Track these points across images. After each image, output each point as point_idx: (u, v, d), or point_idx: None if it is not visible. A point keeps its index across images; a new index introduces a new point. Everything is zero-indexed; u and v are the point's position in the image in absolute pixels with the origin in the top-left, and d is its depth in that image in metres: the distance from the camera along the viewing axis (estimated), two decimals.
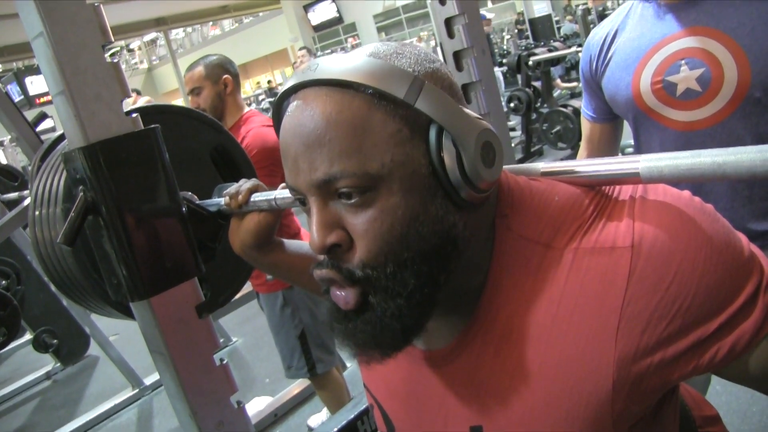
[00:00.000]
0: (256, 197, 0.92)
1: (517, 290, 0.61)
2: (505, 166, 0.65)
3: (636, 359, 0.56)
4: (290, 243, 1.00)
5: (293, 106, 0.60)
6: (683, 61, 1.20)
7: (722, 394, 2.31)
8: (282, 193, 0.89)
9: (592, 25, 8.23)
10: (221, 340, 4.14)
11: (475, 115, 0.60)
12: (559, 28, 10.74)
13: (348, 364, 3.33)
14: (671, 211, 0.56)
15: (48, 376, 4.73)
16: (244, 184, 0.95)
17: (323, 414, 2.91)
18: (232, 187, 0.96)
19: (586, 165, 0.62)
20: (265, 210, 0.92)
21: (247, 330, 4.31)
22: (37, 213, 1.13)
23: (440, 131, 0.58)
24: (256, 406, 3.16)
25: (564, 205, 0.61)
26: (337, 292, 0.61)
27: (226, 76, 2.43)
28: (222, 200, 0.99)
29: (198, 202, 1.10)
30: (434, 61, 0.62)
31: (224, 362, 1.09)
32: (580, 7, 10.38)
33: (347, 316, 0.61)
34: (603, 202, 0.60)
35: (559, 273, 0.59)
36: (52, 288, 4.18)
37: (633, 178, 0.58)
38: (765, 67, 1.14)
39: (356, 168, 0.56)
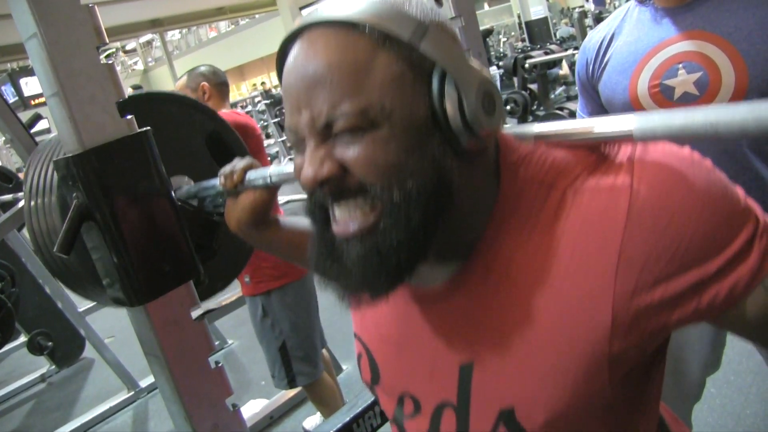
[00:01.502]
0: (251, 175, 0.92)
1: (520, 231, 0.62)
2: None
3: (635, 296, 0.56)
4: (287, 220, 0.99)
5: (297, 47, 0.60)
6: (681, 65, 1.21)
7: (717, 397, 2.31)
8: (276, 169, 0.88)
9: (588, 28, 8.26)
10: (217, 343, 4.13)
11: (478, 65, 0.60)
12: (555, 32, 10.76)
13: (344, 367, 3.33)
14: (670, 161, 0.57)
15: (43, 378, 4.70)
16: (238, 162, 0.94)
17: (317, 417, 2.90)
18: (227, 167, 0.95)
19: (579, 125, 0.63)
20: (261, 187, 0.92)
21: (243, 332, 4.30)
22: (32, 203, 1.13)
23: (443, 77, 0.58)
24: (252, 409, 3.15)
25: (567, 154, 0.63)
26: (341, 213, 0.60)
27: (203, 83, 2.49)
28: (217, 181, 0.98)
29: (195, 188, 1.09)
30: (440, 14, 0.62)
31: (219, 365, 1.08)
32: (577, 10, 10.41)
33: (341, 249, 0.61)
34: (605, 154, 0.62)
35: (561, 211, 0.59)
36: (47, 290, 4.17)
37: (626, 138, 0.59)
38: (762, 71, 1.14)
39: (356, 109, 0.56)
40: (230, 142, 1.28)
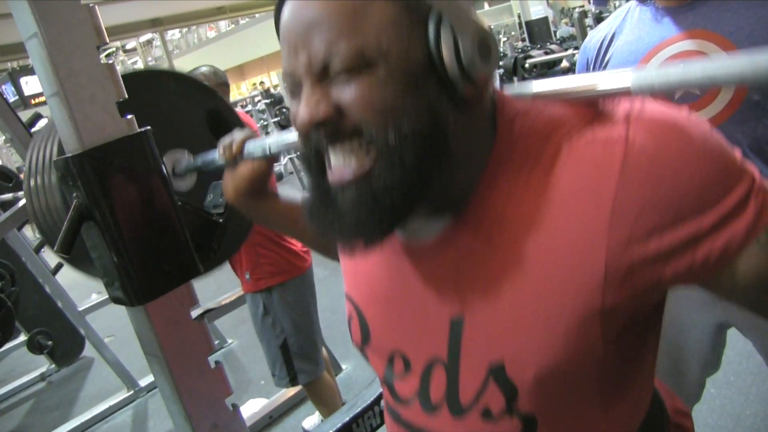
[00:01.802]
0: (250, 145, 0.92)
1: (514, 181, 0.62)
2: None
3: (629, 246, 0.56)
4: (285, 193, 1.00)
5: None
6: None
7: (717, 398, 2.31)
8: (275, 138, 0.89)
9: (588, 28, 8.25)
10: (216, 342, 4.13)
11: (474, 13, 0.60)
12: (555, 31, 10.76)
13: (344, 366, 3.33)
14: (667, 115, 0.57)
15: (42, 377, 4.71)
16: (238, 134, 0.94)
17: (316, 417, 2.90)
18: (226, 138, 0.95)
19: (578, 81, 0.63)
20: (260, 158, 0.92)
21: (243, 332, 4.30)
22: (32, 183, 1.13)
23: (439, 21, 0.58)
24: (251, 408, 3.15)
25: (565, 109, 0.63)
26: (336, 160, 0.61)
27: None
28: (217, 154, 0.98)
29: (194, 161, 1.10)
30: None
31: (219, 364, 1.08)
32: (577, 10, 10.40)
33: (336, 195, 0.61)
34: (601, 109, 0.61)
35: (555, 161, 0.59)
36: (47, 289, 4.17)
37: (624, 94, 0.59)
38: None
39: (353, 48, 0.56)
40: (230, 119, 1.29)
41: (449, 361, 0.67)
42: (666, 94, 0.56)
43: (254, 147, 0.92)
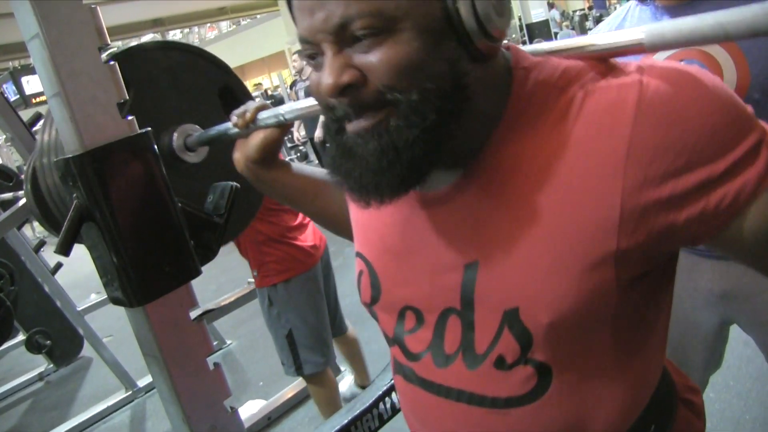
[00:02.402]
0: (263, 114, 0.92)
1: (529, 130, 0.63)
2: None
3: (643, 190, 0.57)
4: (294, 165, 1.00)
5: None
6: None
7: (716, 402, 2.31)
8: (288, 107, 0.90)
9: (589, 31, 8.26)
10: (215, 343, 4.13)
11: None
12: (556, 33, 10.77)
13: (342, 368, 3.33)
14: (679, 66, 0.59)
15: (41, 377, 4.70)
16: (251, 103, 0.95)
17: (349, 380, 3.03)
18: (240, 108, 0.96)
19: (591, 40, 0.65)
20: (273, 125, 0.92)
21: (242, 332, 4.30)
22: (44, 161, 1.13)
23: None
24: (250, 410, 3.15)
25: (579, 62, 0.64)
26: (355, 122, 0.61)
27: None
28: (230, 123, 0.98)
29: (205, 133, 1.10)
30: None
31: (218, 366, 1.08)
32: (578, 13, 10.39)
33: (353, 149, 0.62)
34: (615, 64, 0.63)
35: (570, 109, 0.61)
36: (46, 289, 4.17)
37: (637, 48, 0.61)
38: (764, 68, 1.14)
39: (372, 8, 0.56)
40: (242, 97, 1.29)
41: (463, 309, 0.68)
42: (680, 45, 0.60)
43: (268, 115, 0.92)
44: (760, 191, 0.57)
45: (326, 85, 0.59)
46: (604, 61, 0.64)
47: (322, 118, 0.71)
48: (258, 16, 19.09)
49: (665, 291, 0.70)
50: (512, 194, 0.63)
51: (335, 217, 0.98)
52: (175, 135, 1.14)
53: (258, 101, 0.96)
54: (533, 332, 0.63)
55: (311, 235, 2.51)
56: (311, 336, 2.47)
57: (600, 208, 0.58)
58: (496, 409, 0.68)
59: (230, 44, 22.75)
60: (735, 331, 1.43)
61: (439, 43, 0.59)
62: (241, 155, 0.96)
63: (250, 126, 0.94)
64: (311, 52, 0.62)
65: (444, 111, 0.59)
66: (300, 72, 7.08)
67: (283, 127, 0.93)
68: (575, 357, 0.65)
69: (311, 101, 0.85)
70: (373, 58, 0.58)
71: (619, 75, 0.61)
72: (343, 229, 0.97)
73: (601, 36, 0.64)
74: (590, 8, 11.68)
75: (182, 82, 1.21)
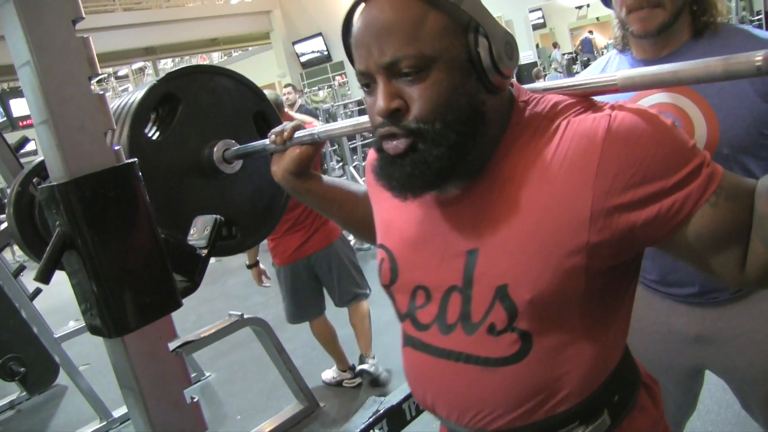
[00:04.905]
0: (299, 133, 1.10)
1: (523, 149, 0.82)
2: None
3: (609, 196, 0.75)
4: (326, 177, 1.18)
5: (363, 7, 0.80)
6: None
7: (707, 413, 2.30)
8: (323, 128, 1.07)
9: (575, 73, 8.41)
10: (194, 375, 4.06)
11: (500, 22, 0.80)
12: (545, 75, 10.95)
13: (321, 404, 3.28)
14: (642, 108, 0.78)
15: (12, 405, 4.58)
16: (288, 123, 1.12)
17: (332, 371, 3.46)
18: (278, 127, 1.14)
19: (576, 80, 0.86)
20: (307, 143, 1.10)
21: (222, 364, 4.24)
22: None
23: (476, 29, 0.78)
24: None
25: (566, 99, 0.83)
26: (392, 143, 0.80)
27: None
28: (267, 141, 1.15)
29: (243, 148, 1.27)
30: None
31: (195, 400, 1.07)
32: (566, 57, 10.60)
33: (395, 160, 0.80)
34: (594, 103, 0.83)
35: (556, 135, 0.80)
36: (23, 314, 4.09)
37: (612, 87, 0.81)
38: (732, 125, 1.18)
39: (416, 52, 0.75)
40: (275, 122, 1.43)
41: (464, 287, 0.85)
42: (645, 86, 0.81)
43: (303, 134, 1.09)
44: (703, 199, 0.75)
45: (380, 108, 0.78)
46: (587, 98, 0.83)
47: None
48: (249, 48, 19.25)
49: (627, 287, 0.87)
50: (507, 197, 0.81)
51: (359, 222, 1.17)
52: (215, 148, 1.30)
53: (295, 122, 1.13)
54: (518, 305, 0.80)
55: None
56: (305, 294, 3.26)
57: (576, 209, 0.76)
58: (488, 367, 0.84)
59: None
60: (714, 376, 1.43)
61: (464, 79, 0.78)
62: (278, 168, 1.14)
63: (287, 143, 1.10)
64: (366, 82, 0.81)
65: (463, 133, 0.78)
66: (292, 105, 7.07)
67: (317, 144, 1.10)
68: (551, 327, 0.82)
69: (342, 123, 1.09)
70: (415, 93, 0.77)
71: (596, 110, 0.80)
72: (365, 233, 1.17)
73: (585, 77, 0.84)
74: (577, 54, 11.90)
75: (223, 103, 1.36)
